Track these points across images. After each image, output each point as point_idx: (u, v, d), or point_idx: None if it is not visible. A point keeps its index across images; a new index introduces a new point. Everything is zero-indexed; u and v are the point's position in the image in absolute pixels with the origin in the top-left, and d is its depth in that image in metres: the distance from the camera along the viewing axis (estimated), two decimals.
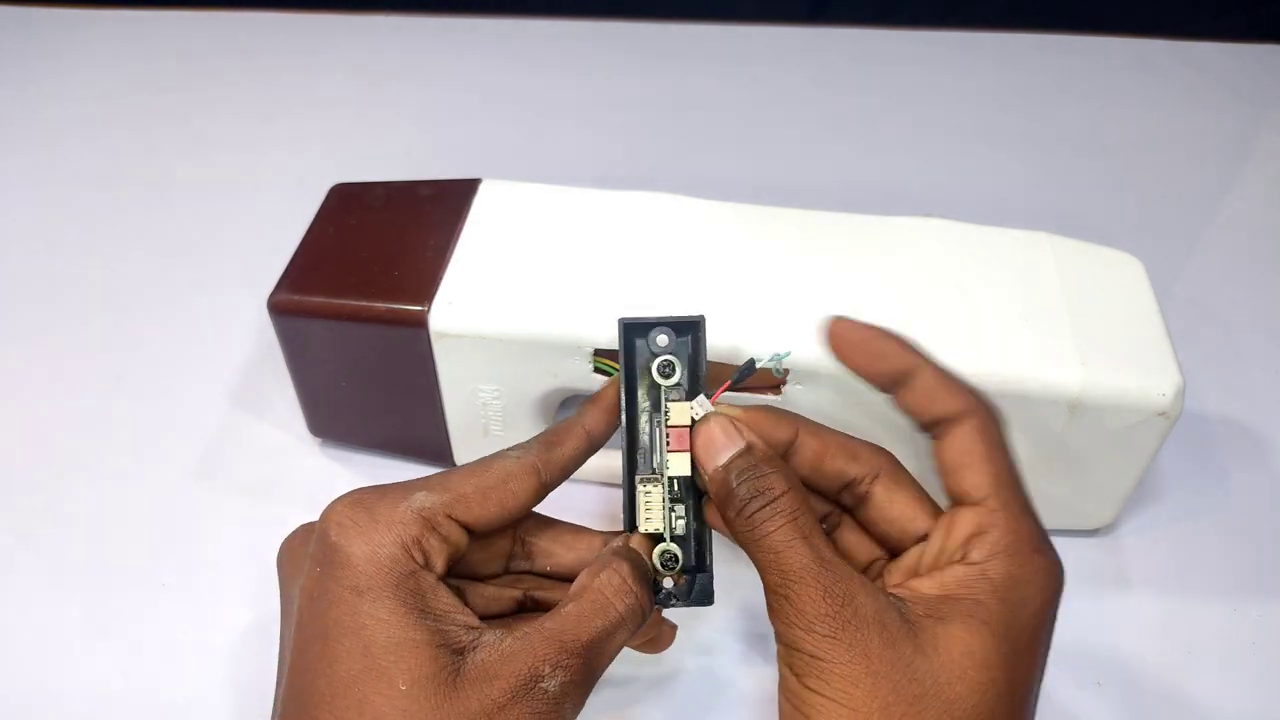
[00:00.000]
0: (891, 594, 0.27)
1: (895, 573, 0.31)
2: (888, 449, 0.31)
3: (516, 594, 0.33)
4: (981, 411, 0.29)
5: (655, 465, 0.31)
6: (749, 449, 0.29)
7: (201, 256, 0.56)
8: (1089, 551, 0.42)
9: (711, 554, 0.32)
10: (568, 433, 0.31)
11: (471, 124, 0.66)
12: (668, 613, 0.33)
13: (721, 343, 0.35)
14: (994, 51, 0.76)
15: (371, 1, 0.77)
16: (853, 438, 0.31)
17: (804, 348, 0.35)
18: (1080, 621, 0.39)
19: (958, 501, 0.29)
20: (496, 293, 0.38)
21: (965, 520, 0.28)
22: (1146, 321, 0.38)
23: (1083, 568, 0.41)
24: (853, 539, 0.32)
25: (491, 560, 0.32)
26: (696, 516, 0.32)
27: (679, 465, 0.31)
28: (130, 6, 0.76)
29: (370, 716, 0.26)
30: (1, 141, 0.64)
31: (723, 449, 0.29)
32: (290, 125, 0.66)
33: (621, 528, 0.32)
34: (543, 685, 0.27)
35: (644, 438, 0.32)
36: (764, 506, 0.28)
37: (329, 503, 0.28)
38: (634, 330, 0.31)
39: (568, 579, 0.33)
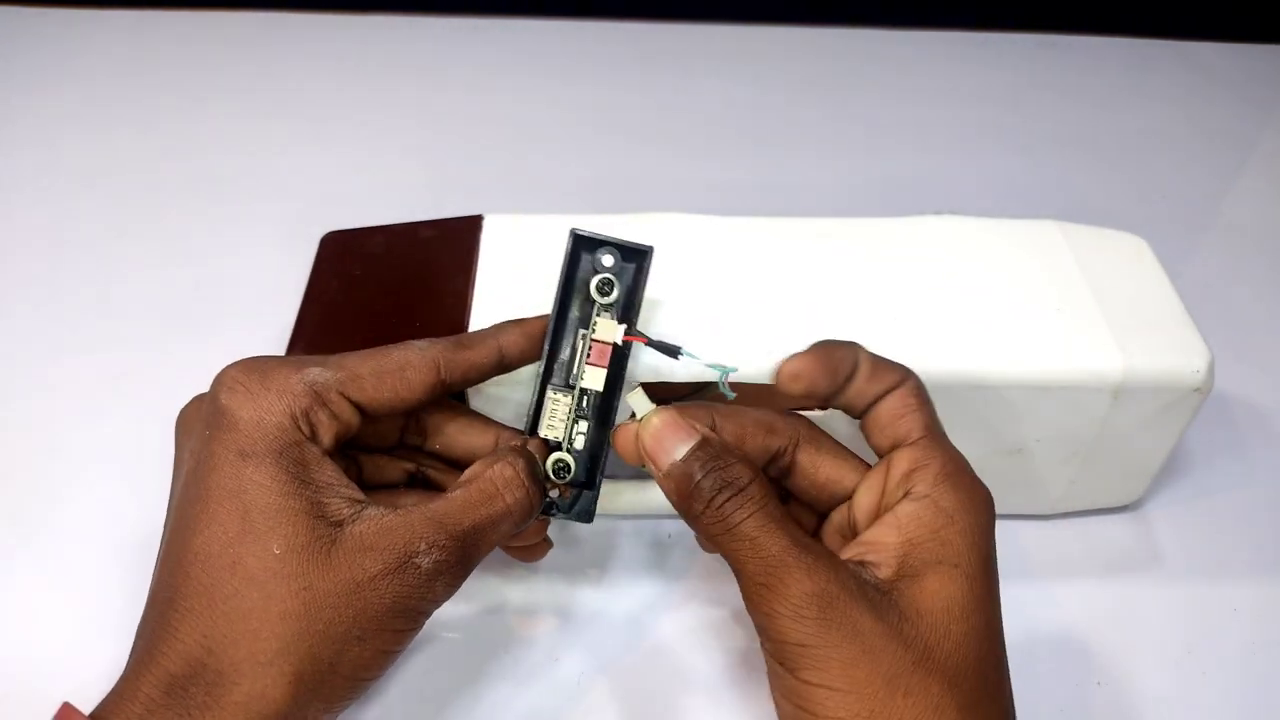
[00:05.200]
0: (850, 563, 0.27)
1: (828, 536, 0.31)
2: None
3: (409, 466, 0.33)
4: (915, 377, 0.30)
5: (571, 377, 0.32)
6: (705, 441, 0.29)
7: (191, 296, 0.53)
8: (1115, 528, 0.43)
9: (602, 475, 0.32)
10: (479, 341, 0.32)
11: (466, 123, 0.66)
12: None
13: (745, 360, 0.34)
14: (994, 51, 0.76)
15: (360, 2, 0.76)
16: (765, 411, 0.31)
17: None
18: (1081, 618, 0.40)
19: (893, 448, 0.30)
20: None
21: (902, 458, 0.29)
22: (1164, 299, 0.39)
23: (1110, 547, 0.42)
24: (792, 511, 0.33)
25: (384, 434, 0.33)
26: (597, 435, 0.32)
27: (594, 379, 0.31)
28: (131, 7, 0.76)
29: (242, 576, 0.26)
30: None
31: (677, 442, 0.29)
32: (274, 131, 0.65)
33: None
34: (416, 561, 0.27)
35: (565, 351, 0.32)
36: (733, 496, 0.28)
37: (223, 366, 0.29)
38: (583, 244, 0.32)
39: (458, 465, 0.33)
